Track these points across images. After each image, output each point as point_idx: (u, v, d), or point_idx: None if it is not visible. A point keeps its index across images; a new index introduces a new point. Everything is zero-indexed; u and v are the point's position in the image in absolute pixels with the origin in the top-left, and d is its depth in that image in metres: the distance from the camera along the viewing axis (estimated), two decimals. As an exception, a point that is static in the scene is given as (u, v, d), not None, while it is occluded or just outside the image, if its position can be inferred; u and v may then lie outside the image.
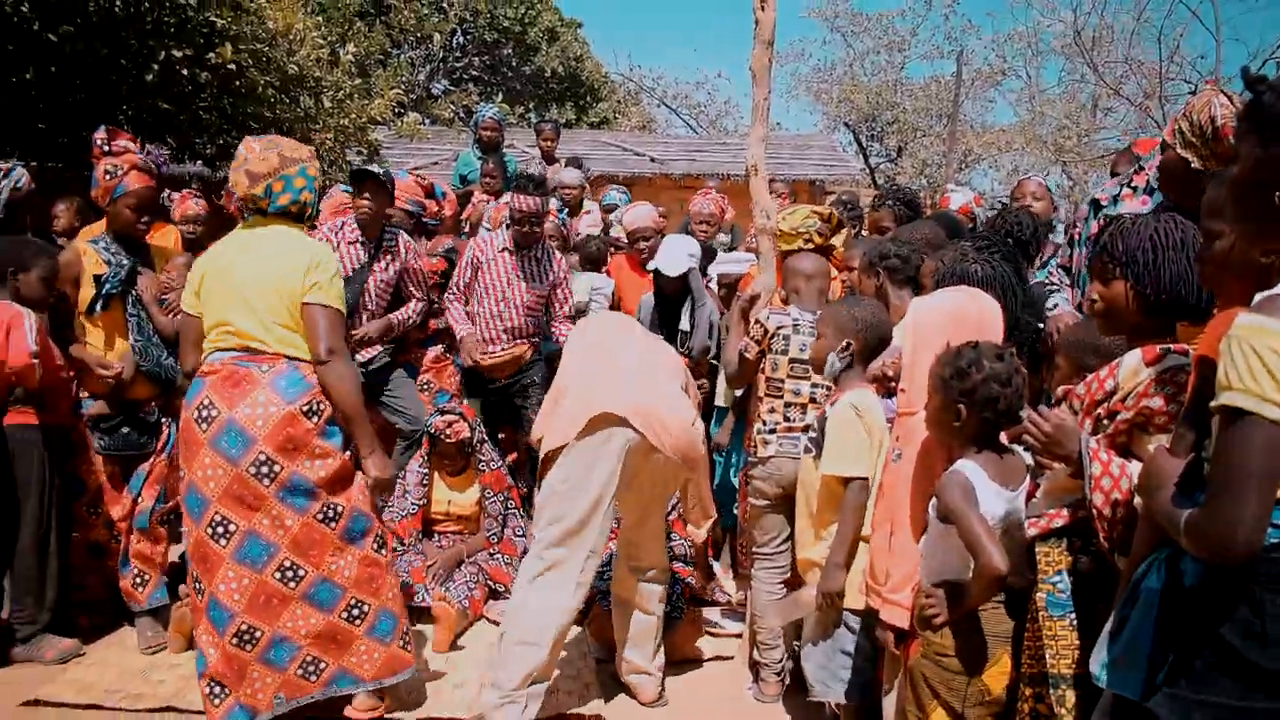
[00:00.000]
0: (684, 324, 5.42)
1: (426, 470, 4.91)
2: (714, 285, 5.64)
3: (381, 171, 5.26)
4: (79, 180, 7.46)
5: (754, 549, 3.92)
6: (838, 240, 4.38)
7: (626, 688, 3.87)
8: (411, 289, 5.33)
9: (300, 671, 3.34)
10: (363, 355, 5.09)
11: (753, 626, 3.94)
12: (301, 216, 3.48)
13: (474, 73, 21.90)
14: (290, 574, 3.29)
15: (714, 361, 5.21)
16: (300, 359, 3.31)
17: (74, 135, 7.71)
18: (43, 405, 4.07)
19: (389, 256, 5.19)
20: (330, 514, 3.32)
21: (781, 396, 3.81)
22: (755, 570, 3.91)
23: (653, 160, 14.49)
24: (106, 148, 4.17)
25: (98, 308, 4.14)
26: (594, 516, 3.46)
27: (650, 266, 5.35)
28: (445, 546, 4.85)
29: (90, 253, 4.20)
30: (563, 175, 7.71)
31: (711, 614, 4.60)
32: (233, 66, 7.52)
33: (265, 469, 3.21)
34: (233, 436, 3.20)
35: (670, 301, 5.40)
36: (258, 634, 3.27)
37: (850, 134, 26.55)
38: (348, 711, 3.46)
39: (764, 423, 3.83)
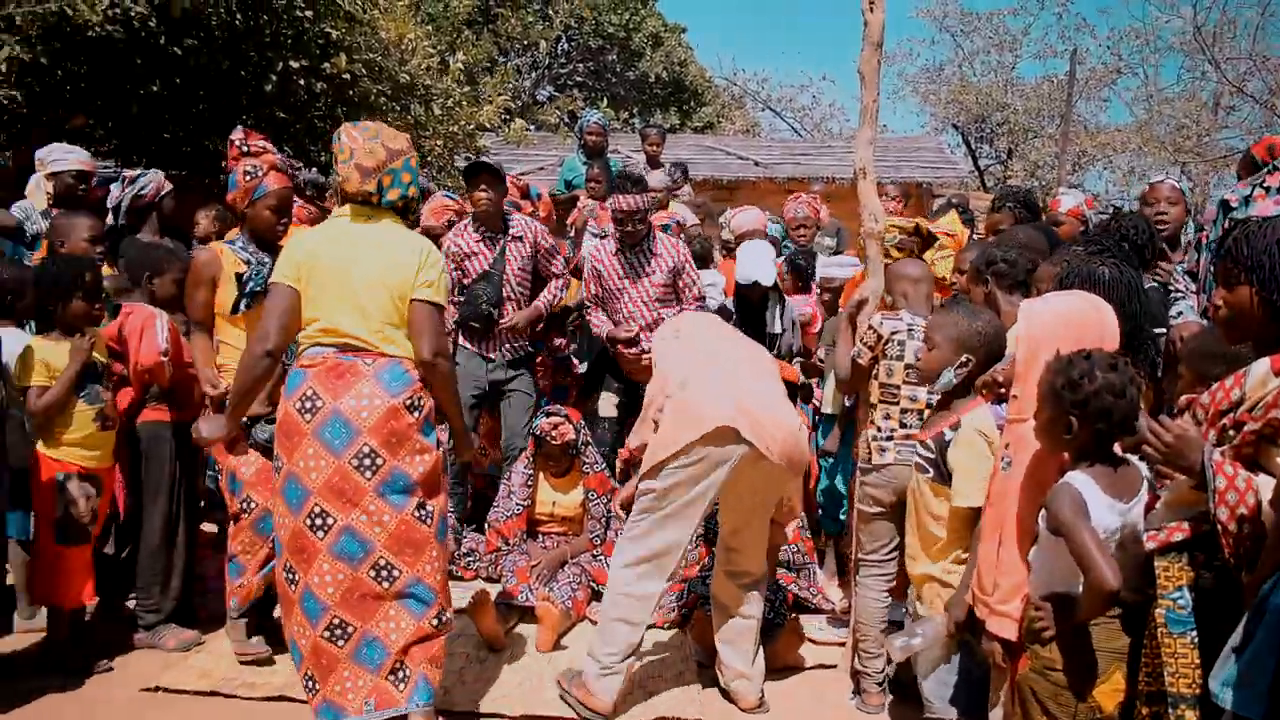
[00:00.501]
0: (774, 326, 5.39)
1: (531, 471, 4.98)
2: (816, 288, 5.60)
3: (495, 164, 5.40)
4: (201, 187, 7.79)
5: (861, 555, 3.87)
6: (930, 255, 4.29)
7: (728, 694, 3.86)
8: (550, 268, 5.46)
9: (391, 678, 3.26)
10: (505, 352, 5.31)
11: (856, 635, 3.89)
12: (407, 211, 3.46)
13: (578, 79, 22.13)
14: (385, 573, 3.23)
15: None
16: (402, 355, 3.29)
17: (196, 144, 8.04)
18: (175, 403, 4.25)
19: (518, 243, 5.31)
20: (425, 514, 3.30)
21: (897, 403, 3.75)
22: (861, 577, 3.87)
23: (757, 164, 14.43)
24: (245, 148, 4.10)
25: (242, 306, 4.11)
26: (692, 523, 3.58)
27: (744, 279, 5.29)
28: (549, 547, 4.91)
29: (228, 253, 4.15)
30: (651, 178, 7.74)
31: (815, 621, 4.56)
32: (347, 76, 7.75)
33: (368, 461, 3.19)
34: (337, 427, 3.17)
35: (753, 306, 5.37)
36: (350, 630, 3.22)
37: (959, 135, 26.07)
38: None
39: (879, 429, 3.78)
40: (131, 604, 4.32)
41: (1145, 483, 2.55)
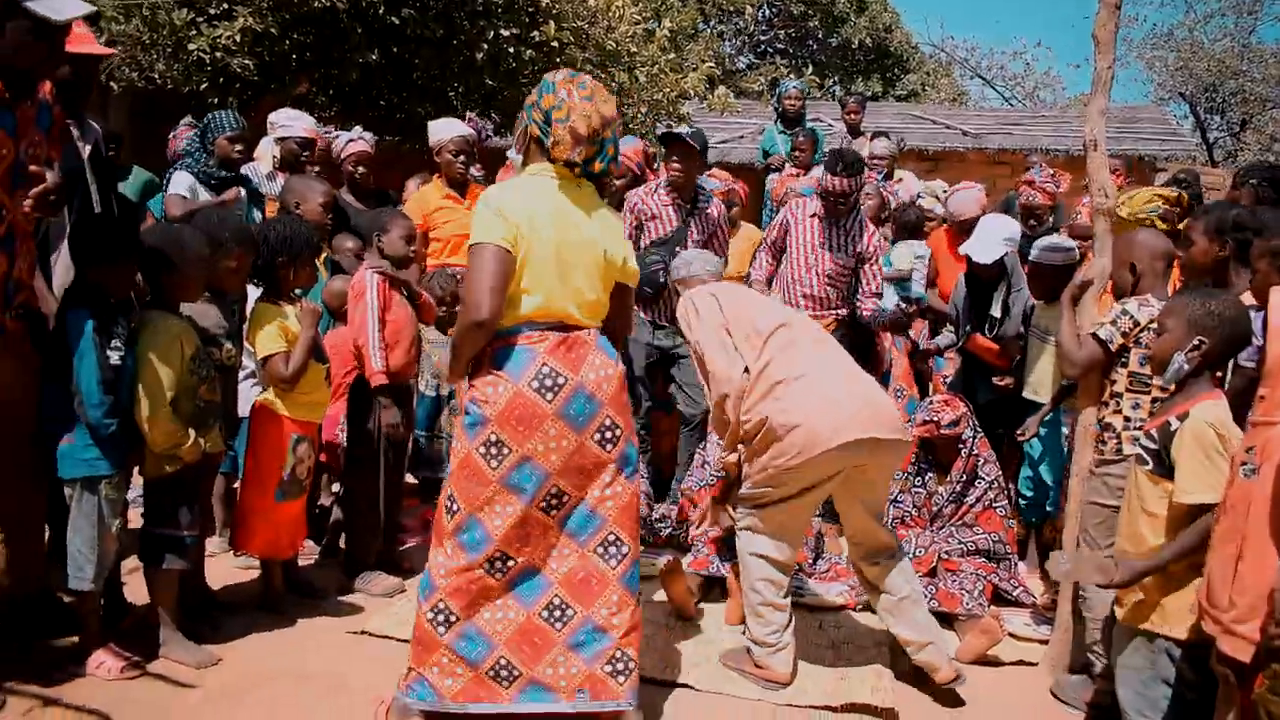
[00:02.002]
0: (995, 309, 5.18)
1: (726, 441, 4.94)
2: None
3: (689, 132, 5.35)
4: (412, 154, 8.08)
5: (1091, 549, 3.63)
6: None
7: (926, 683, 3.72)
8: (720, 248, 5.44)
9: (608, 668, 3.09)
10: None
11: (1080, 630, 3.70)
12: (604, 181, 3.26)
13: (780, 45, 21.82)
14: (614, 550, 3.09)
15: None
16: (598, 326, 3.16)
17: (409, 112, 8.33)
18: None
19: (703, 217, 5.28)
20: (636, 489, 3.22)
21: (1149, 392, 3.52)
22: None
23: (965, 134, 13.84)
24: None
25: None
26: (815, 506, 3.75)
27: (963, 251, 5.14)
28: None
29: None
30: (873, 146, 7.55)
31: (1018, 615, 4.35)
32: (555, 44, 7.87)
33: (609, 435, 3.05)
34: (581, 403, 2.99)
35: (983, 285, 5.16)
36: (570, 613, 3.08)
37: (1186, 106, 24.34)
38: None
39: (1128, 419, 3.54)
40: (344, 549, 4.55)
41: None
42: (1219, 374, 3.13)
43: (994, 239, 5.05)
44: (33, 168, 3.13)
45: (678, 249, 5.15)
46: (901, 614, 3.69)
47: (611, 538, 3.10)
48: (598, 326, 3.14)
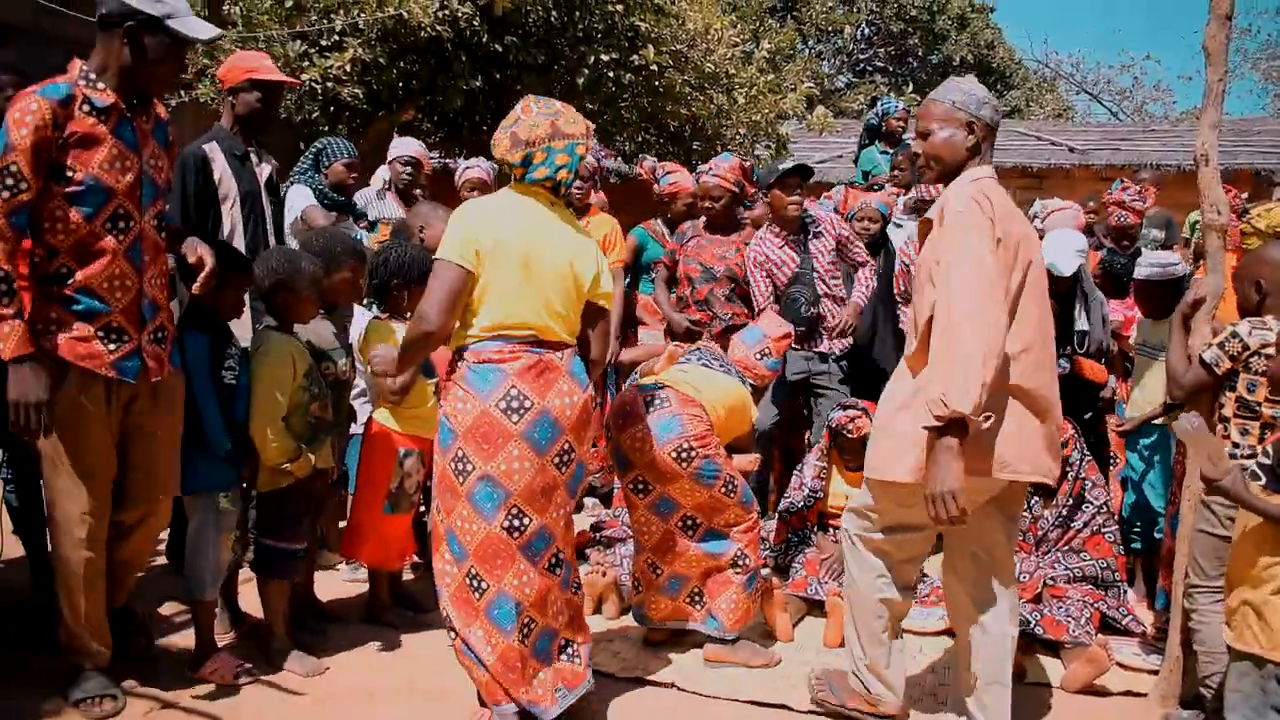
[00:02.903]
0: (1080, 324, 5.09)
1: (825, 464, 4.91)
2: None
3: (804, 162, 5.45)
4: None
5: (1199, 581, 3.50)
6: None
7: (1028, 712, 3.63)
8: (855, 256, 5.46)
9: (567, 656, 3.33)
10: (839, 346, 5.37)
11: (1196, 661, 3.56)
12: (555, 193, 3.29)
13: (879, 64, 21.65)
14: (554, 562, 3.26)
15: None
16: (574, 343, 3.29)
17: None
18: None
19: (819, 239, 5.33)
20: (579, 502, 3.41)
21: (1259, 418, 3.40)
22: (1202, 604, 3.44)
23: (1071, 150, 13.54)
24: None
25: None
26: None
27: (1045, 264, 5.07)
28: (840, 541, 4.82)
29: None
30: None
31: (1127, 645, 4.23)
32: (654, 67, 7.96)
33: (566, 458, 3.19)
34: (545, 427, 3.11)
35: (1059, 299, 5.09)
36: (533, 627, 3.21)
37: (1305, 118, 23.42)
38: None
39: (1236, 445, 3.43)
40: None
41: None
42: None
43: (1069, 251, 4.99)
44: (191, 257, 3.30)
45: (810, 279, 5.27)
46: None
47: (557, 554, 3.27)
48: (572, 345, 3.26)
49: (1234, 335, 3.44)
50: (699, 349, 4.36)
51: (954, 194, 3.01)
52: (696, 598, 4.02)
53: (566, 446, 3.18)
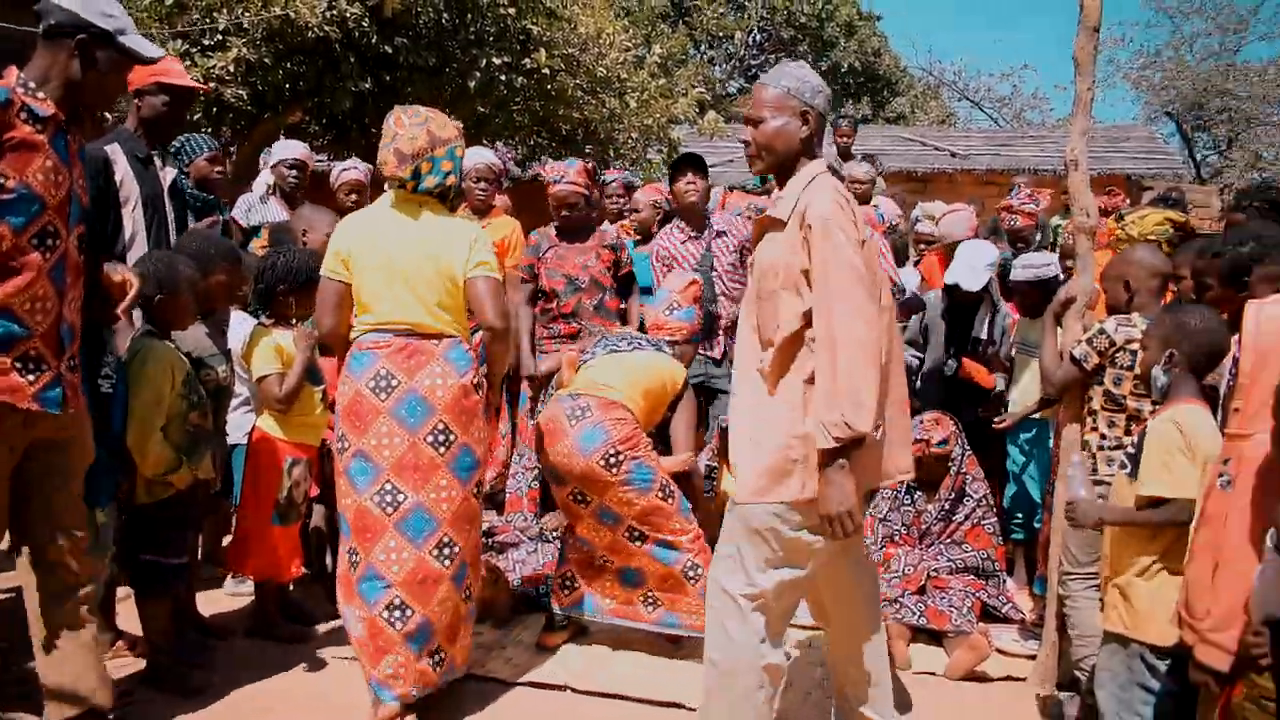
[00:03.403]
0: (980, 331, 5.23)
1: (715, 464, 4.96)
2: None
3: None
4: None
5: (1072, 569, 3.64)
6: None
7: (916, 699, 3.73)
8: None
9: (431, 661, 3.35)
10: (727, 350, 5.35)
11: (1064, 649, 3.72)
12: (445, 198, 3.45)
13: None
14: (446, 551, 3.34)
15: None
16: (460, 335, 3.40)
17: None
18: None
19: (722, 238, 5.36)
20: (479, 492, 3.47)
21: (1124, 411, 3.55)
22: (1075, 590, 3.59)
23: (954, 155, 13.96)
24: None
25: None
26: None
27: (949, 280, 5.18)
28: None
29: None
30: (851, 169, 7.60)
31: (1006, 632, 4.37)
32: (546, 71, 7.93)
33: (442, 438, 3.31)
34: (413, 405, 3.28)
35: (964, 308, 5.22)
36: (409, 612, 3.29)
37: (1173, 124, 24.52)
38: None
39: (1104, 437, 3.58)
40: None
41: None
42: (1207, 384, 3.16)
43: (979, 265, 5.09)
44: (116, 277, 3.14)
45: (709, 277, 5.24)
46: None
47: (445, 540, 3.35)
48: (455, 335, 3.38)
49: (1101, 332, 3.60)
50: (600, 339, 4.35)
51: (814, 197, 2.82)
52: (652, 601, 4.00)
53: (441, 426, 3.31)
